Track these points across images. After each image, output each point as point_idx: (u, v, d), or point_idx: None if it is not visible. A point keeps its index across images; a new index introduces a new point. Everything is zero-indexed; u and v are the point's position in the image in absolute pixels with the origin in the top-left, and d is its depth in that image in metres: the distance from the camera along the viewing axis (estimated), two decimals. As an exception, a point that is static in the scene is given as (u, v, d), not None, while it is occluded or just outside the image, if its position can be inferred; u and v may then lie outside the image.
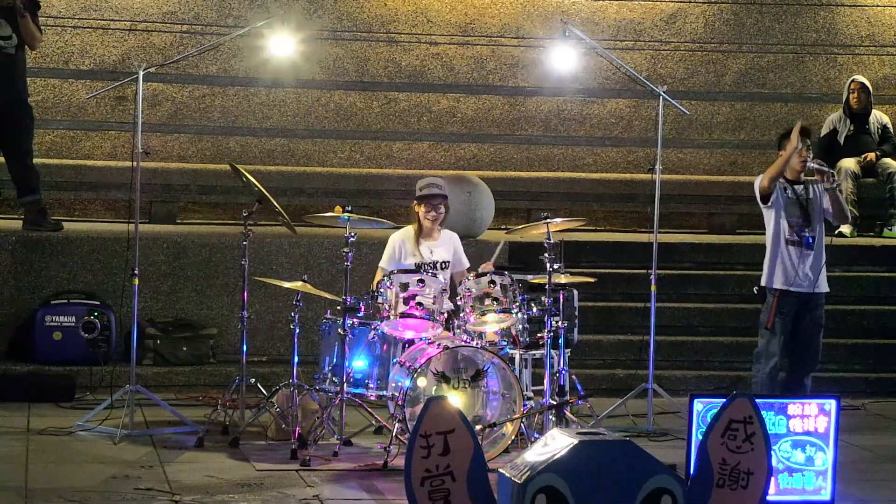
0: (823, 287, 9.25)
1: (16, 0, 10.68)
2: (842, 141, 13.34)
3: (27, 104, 11.20)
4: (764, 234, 9.58)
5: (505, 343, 8.87)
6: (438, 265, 9.01)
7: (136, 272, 9.24)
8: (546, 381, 8.89)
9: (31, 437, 8.92)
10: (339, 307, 8.82)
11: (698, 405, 7.38)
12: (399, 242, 9.40)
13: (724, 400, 6.56)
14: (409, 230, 9.42)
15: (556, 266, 9.04)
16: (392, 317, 8.70)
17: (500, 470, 5.84)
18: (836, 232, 12.69)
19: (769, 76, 14.04)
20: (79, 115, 12.06)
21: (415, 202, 9.38)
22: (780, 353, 9.32)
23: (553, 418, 8.64)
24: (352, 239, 8.81)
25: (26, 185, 11.22)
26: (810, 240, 9.15)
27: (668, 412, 9.56)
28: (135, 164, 9.32)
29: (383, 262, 9.35)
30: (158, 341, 10.74)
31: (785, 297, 9.22)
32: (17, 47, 10.84)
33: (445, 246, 9.42)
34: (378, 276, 9.20)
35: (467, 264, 9.45)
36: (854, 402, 10.23)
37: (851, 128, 13.41)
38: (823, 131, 13.32)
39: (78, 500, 7.45)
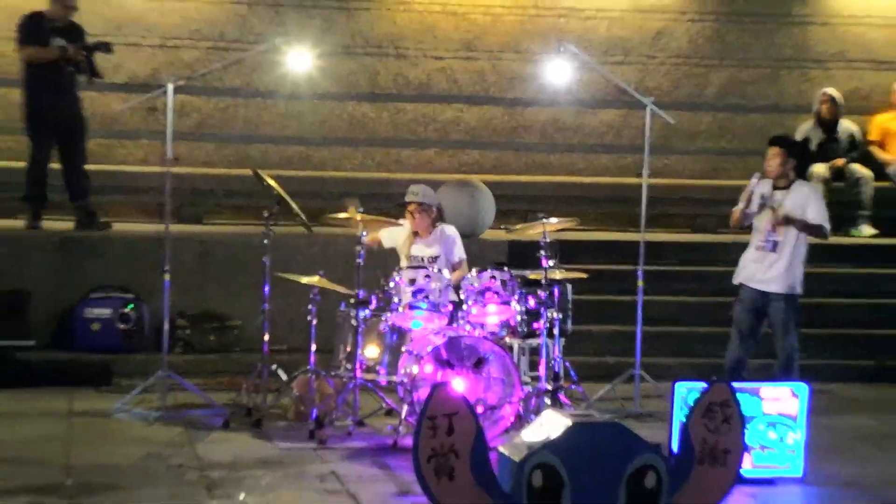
0: (774, 286, 9.19)
1: (76, 59, 10.92)
2: (813, 148, 13.36)
3: (84, 117, 11.32)
4: (742, 234, 9.63)
5: (504, 333, 8.90)
6: (426, 259, 9.07)
7: (166, 269, 9.27)
8: (542, 367, 8.96)
9: (72, 419, 9.00)
10: (352, 300, 8.88)
11: (681, 390, 7.42)
12: (401, 232, 9.57)
13: (705, 385, 6.56)
14: (402, 227, 9.61)
15: (551, 263, 9.11)
16: (401, 309, 8.76)
17: (500, 449, 5.83)
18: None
19: (748, 89, 14.07)
20: (113, 125, 12.10)
21: (408, 205, 9.56)
22: (737, 344, 9.35)
23: (548, 402, 8.67)
24: (363, 237, 8.88)
25: (79, 190, 11.35)
26: (773, 244, 9.15)
27: (654, 396, 9.57)
28: (165, 169, 9.40)
29: (384, 232, 9.55)
30: (188, 331, 10.86)
31: (743, 291, 9.29)
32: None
33: (435, 243, 9.55)
34: (375, 236, 9.48)
35: (461, 257, 9.53)
36: (824, 387, 10.21)
37: (822, 136, 13.46)
38: (797, 139, 13.33)
39: (116, 476, 7.49)
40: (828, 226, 9.26)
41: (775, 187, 9.21)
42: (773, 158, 9.24)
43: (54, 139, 11.24)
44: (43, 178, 11.34)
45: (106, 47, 11.18)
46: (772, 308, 9.27)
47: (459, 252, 9.57)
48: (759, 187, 9.27)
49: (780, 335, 9.31)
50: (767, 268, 9.20)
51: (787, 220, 9.07)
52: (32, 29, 11.14)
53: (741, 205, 9.26)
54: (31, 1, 12.49)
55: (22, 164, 12.22)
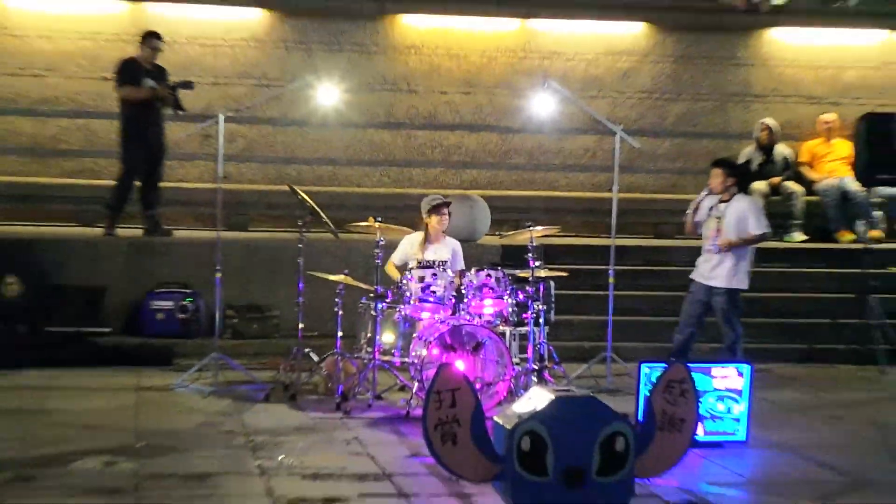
0: (716, 282, 9.30)
1: (162, 96, 11.04)
2: (754, 168, 13.44)
3: (165, 145, 11.43)
4: (697, 241, 9.71)
5: (498, 322, 8.92)
6: (437, 263, 9.04)
7: (218, 268, 9.34)
8: (529, 351, 8.99)
9: (140, 393, 9.03)
10: (371, 294, 8.89)
11: (645, 369, 7.45)
12: (408, 244, 9.51)
13: (665, 365, 6.63)
14: (418, 235, 9.51)
15: (537, 263, 9.14)
16: (412, 302, 8.78)
17: (495, 418, 5.87)
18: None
19: (700, 119, 14.10)
20: (175, 148, 12.12)
21: (426, 214, 9.48)
22: (682, 328, 9.46)
23: (535, 379, 8.72)
24: (381, 243, 8.89)
25: (153, 202, 11.38)
26: (717, 248, 9.29)
27: (622, 374, 9.61)
28: (217, 185, 9.50)
29: (394, 258, 9.47)
30: (235, 320, 10.87)
31: (692, 285, 9.46)
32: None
33: (446, 249, 9.51)
34: (390, 269, 9.36)
35: (462, 267, 9.46)
36: (764, 367, 10.24)
37: (762, 158, 13.51)
38: (741, 160, 13.40)
39: (176, 440, 7.52)
40: (767, 230, 9.40)
41: (721, 200, 9.33)
42: (716, 177, 9.37)
43: (143, 162, 11.28)
44: (128, 194, 11.36)
45: (188, 85, 11.21)
46: (714, 301, 9.37)
47: (461, 263, 9.55)
48: (706, 200, 9.40)
49: (722, 324, 9.41)
50: (713, 267, 9.32)
51: (730, 246, 9.22)
52: (128, 71, 11.15)
53: (689, 212, 9.44)
54: (102, 47, 12.63)
55: (100, 182, 12.37)
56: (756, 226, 9.25)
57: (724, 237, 9.25)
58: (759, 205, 9.82)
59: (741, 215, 9.24)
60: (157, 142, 11.33)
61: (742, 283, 9.34)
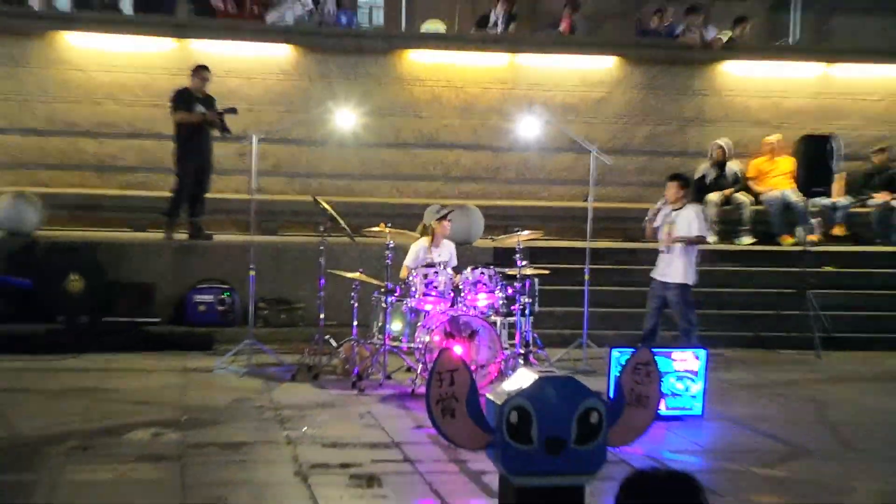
0: (669, 278, 9.29)
1: (211, 120, 11.02)
2: (709, 182, 13.40)
3: (212, 162, 11.40)
4: (656, 242, 9.67)
5: (490, 313, 8.91)
6: (441, 264, 9.07)
7: (251, 267, 9.35)
8: (517, 338, 8.99)
9: (184, 374, 9.04)
10: (382, 290, 8.88)
11: (616, 353, 7.46)
12: (419, 248, 9.48)
13: (633, 350, 6.59)
14: (424, 240, 9.49)
15: (523, 263, 9.14)
16: (417, 296, 8.78)
17: (488, 395, 5.81)
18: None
19: (662, 139, 14.07)
20: (215, 165, 12.09)
21: (434, 223, 9.45)
22: (647, 319, 9.42)
23: (521, 362, 8.71)
24: (391, 245, 8.90)
25: (198, 211, 11.32)
26: (668, 249, 9.29)
27: (596, 358, 9.55)
28: (251, 197, 9.49)
29: (408, 262, 9.39)
30: (266, 311, 10.83)
31: (652, 282, 9.48)
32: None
33: (446, 251, 9.52)
34: (404, 272, 9.26)
35: (455, 264, 9.43)
36: (717, 351, 10.23)
37: (715, 174, 13.47)
38: (697, 175, 13.40)
39: (216, 413, 7.55)
40: (706, 234, 9.45)
41: (673, 209, 9.33)
42: (671, 189, 9.41)
43: (194, 177, 11.21)
44: (181, 203, 11.30)
45: (233, 111, 11.17)
46: (669, 294, 9.35)
47: (455, 262, 9.53)
48: (664, 208, 9.41)
49: (676, 314, 9.42)
50: (666, 265, 9.35)
51: (676, 240, 9.20)
52: (181, 100, 11.09)
53: (648, 219, 9.45)
54: (154, 78, 12.61)
55: (150, 193, 12.35)
56: (699, 229, 9.27)
57: (670, 241, 9.25)
58: (704, 212, 9.78)
59: (689, 221, 9.26)
60: (205, 159, 11.29)
61: (690, 279, 9.34)
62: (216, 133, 11.29)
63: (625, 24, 15.67)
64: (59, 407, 7.56)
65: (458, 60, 13.67)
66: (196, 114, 11.07)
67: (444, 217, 9.47)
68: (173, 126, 11.25)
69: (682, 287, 9.30)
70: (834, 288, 11.91)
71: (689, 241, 9.27)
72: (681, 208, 9.32)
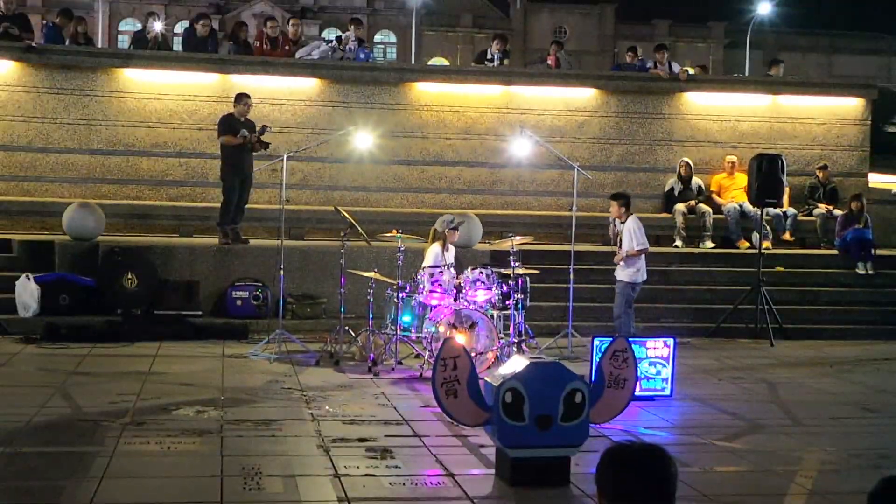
0: (619, 277, 9.43)
1: (252, 141, 10.91)
2: (676, 194, 13.34)
3: (252, 176, 11.27)
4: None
5: (488, 307, 8.85)
6: (449, 265, 9.04)
7: (281, 267, 9.30)
8: (511, 329, 8.93)
9: (224, 359, 8.98)
10: (395, 286, 8.83)
11: (597, 342, 7.38)
12: (436, 252, 9.43)
13: (612, 339, 6.53)
14: (437, 246, 9.45)
15: (517, 264, 9.09)
16: (425, 292, 8.72)
17: (486, 378, 5.80)
18: (673, 244, 12.81)
19: (636, 157, 13.98)
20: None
21: (446, 231, 9.43)
22: (615, 310, 9.44)
23: (515, 350, 8.64)
24: (402, 248, 8.85)
25: (237, 218, 11.23)
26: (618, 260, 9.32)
27: (580, 346, 9.50)
28: (281, 207, 9.42)
29: (427, 263, 9.26)
30: (294, 306, 10.76)
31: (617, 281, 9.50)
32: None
33: (451, 254, 9.48)
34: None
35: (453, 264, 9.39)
36: (684, 340, 10.17)
37: (682, 187, 13.40)
38: (666, 188, 13.39)
39: (250, 394, 7.50)
40: (643, 244, 9.36)
41: (620, 222, 9.40)
42: (613, 207, 9.57)
43: (238, 190, 11.12)
44: (230, 213, 11.16)
45: (266, 128, 11.06)
46: (616, 287, 9.53)
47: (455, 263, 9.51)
48: (615, 221, 9.60)
49: (615, 306, 9.52)
50: (620, 269, 9.46)
51: (620, 258, 9.39)
52: (226, 124, 11.00)
53: (610, 226, 9.97)
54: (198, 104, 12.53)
55: (195, 204, 12.32)
56: (633, 243, 9.33)
57: (620, 250, 9.41)
58: (639, 225, 9.53)
59: (630, 232, 9.41)
60: (247, 174, 11.21)
61: (635, 278, 9.39)
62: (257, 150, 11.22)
63: (603, 60, 15.71)
64: (116, 388, 7.52)
65: (460, 90, 13.60)
66: (239, 137, 11.00)
67: (455, 227, 9.50)
68: (220, 147, 11.19)
69: (625, 284, 9.42)
70: (784, 285, 11.90)
71: (630, 256, 9.32)
72: (624, 221, 9.45)
